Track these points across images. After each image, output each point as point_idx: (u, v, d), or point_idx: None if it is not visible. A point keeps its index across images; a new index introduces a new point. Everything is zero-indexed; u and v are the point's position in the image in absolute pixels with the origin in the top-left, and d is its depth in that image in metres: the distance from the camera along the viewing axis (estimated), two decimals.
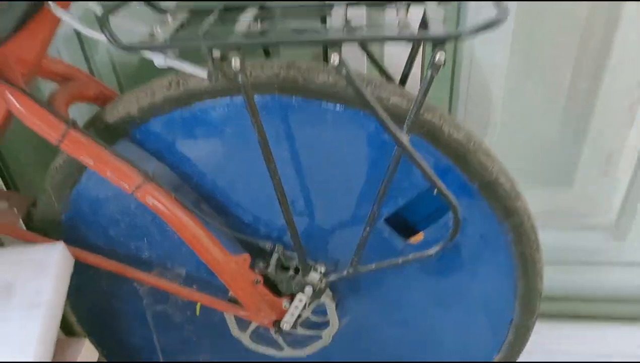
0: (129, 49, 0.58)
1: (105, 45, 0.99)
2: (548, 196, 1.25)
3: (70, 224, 0.79)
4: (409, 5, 0.64)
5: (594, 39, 1.04)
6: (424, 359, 0.89)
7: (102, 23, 0.58)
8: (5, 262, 0.72)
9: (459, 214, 0.66)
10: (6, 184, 1.03)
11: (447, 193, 0.65)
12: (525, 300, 0.81)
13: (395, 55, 0.83)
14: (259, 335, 0.88)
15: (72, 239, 0.77)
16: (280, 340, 0.87)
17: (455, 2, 0.88)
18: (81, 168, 0.74)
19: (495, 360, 0.88)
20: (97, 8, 0.62)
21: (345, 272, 0.74)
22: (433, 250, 0.70)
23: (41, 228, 0.80)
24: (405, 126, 0.61)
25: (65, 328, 0.90)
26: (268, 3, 0.67)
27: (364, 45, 0.73)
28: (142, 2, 0.68)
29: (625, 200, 1.25)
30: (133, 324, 0.90)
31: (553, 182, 1.25)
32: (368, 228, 0.69)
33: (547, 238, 1.24)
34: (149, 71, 0.95)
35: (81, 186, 0.76)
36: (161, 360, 0.94)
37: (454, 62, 0.97)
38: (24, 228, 0.81)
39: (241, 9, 0.66)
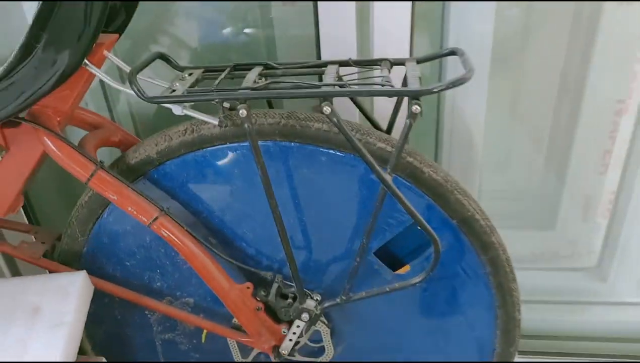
0: (153, 101, 0.68)
1: (126, 97, 1.11)
2: (532, 239, 1.33)
3: (90, 256, 0.88)
4: (391, 65, 0.75)
5: (568, 92, 1.15)
6: None
7: (131, 79, 0.68)
8: (33, 288, 0.80)
9: (439, 246, 0.75)
10: (29, 220, 1.12)
11: (427, 226, 0.73)
12: (505, 330, 0.88)
13: (383, 107, 0.94)
14: (261, 360, 0.95)
15: (91, 269, 0.86)
16: None
17: (437, 61, 0.99)
18: (104, 204, 0.84)
19: None
20: (126, 67, 0.73)
21: (338, 300, 0.81)
22: (417, 279, 0.78)
23: (64, 259, 0.88)
24: (388, 167, 0.70)
25: (82, 354, 0.97)
26: (272, 63, 0.78)
27: (353, 98, 0.83)
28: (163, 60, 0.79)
29: (605, 243, 1.32)
30: (143, 351, 0.97)
31: (536, 226, 1.33)
32: (358, 258, 0.77)
33: (533, 279, 1.33)
34: (163, 119, 1.07)
35: (103, 221, 0.85)
36: None
37: (438, 113, 1.07)
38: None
39: (249, 67, 0.76)
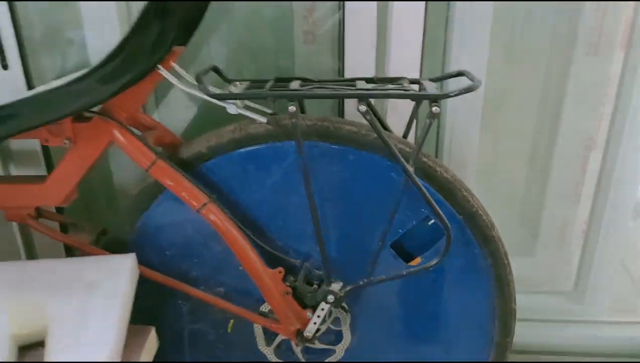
0: (219, 97, 0.82)
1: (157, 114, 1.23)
2: (513, 264, 1.47)
3: (135, 244, 0.97)
4: (409, 82, 0.91)
5: (544, 129, 1.33)
6: None
7: (199, 79, 0.82)
8: (87, 267, 0.89)
9: (450, 232, 0.88)
10: None
11: (441, 214, 0.87)
12: (503, 320, 1.00)
13: (395, 119, 1.09)
14: (281, 352, 1.03)
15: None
16: (300, 354, 1.02)
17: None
18: (153, 196, 0.94)
19: None
20: (188, 76, 0.87)
21: (361, 282, 0.92)
22: (433, 262, 0.90)
23: (110, 247, 0.97)
24: (411, 161, 0.84)
25: None
26: (308, 78, 0.93)
27: (371, 107, 0.97)
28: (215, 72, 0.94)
29: (580, 269, 1.47)
30: (172, 341, 1.04)
31: (517, 252, 1.47)
32: (381, 242, 0.89)
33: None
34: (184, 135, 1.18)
35: (150, 212, 0.95)
36: None
37: (437, 138, 1.23)
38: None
39: (289, 80, 0.91)
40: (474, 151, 1.29)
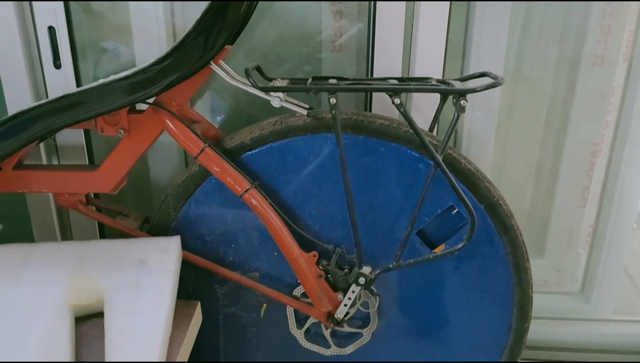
0: (266, 89, 0.90)
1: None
2: None
3: (178, 229, 1.04)
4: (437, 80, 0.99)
5: (552, 136, 1.42)
6: (439, 357, 1.10)
7: (248, 73, 0.90)
8: (137, 247, 0.96)
9: (475, 217, 0.95)
10: None
11: (466, 200, 0.94)
12: (520, 306, 1.07)
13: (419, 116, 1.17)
14: (311, 335, 1.09)
15: None
16: (328, 337, 1.08)
17: None
18: (197, 183, 1.02)
19: None
20: (235, 74, 0.95)
21: (391, 265, 0.99)
22: (459, 246, 0.97)
23: (155, 231, 1.04)
24: (440, 150, 0.92)
25: None
26: (343, 76, 1.01)
27: (398, 106, 1.05)
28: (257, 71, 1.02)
29: (586, 271, 1.54)
30: (207, 324, 1.09)
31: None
32: (410, 227, 0.96)
33: None
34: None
35: (194, 198, 1.02)
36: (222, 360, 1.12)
37: (454, 144, 1.32)
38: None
39: (326, 78, 0.99)
40: (488, 156, 1.37)
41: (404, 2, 1.10)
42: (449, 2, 1.10)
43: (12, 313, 0.84)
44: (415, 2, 1.11)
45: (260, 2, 1.00)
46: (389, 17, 1.11)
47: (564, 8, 1.28)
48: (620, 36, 1.27)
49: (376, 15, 1.11)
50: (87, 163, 1.22)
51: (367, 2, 1.18)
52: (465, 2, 1.20)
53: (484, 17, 1.20)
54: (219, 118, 1.32)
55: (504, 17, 1.20)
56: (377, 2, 1.11)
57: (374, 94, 1.19)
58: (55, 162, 1.22)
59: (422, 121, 1.10)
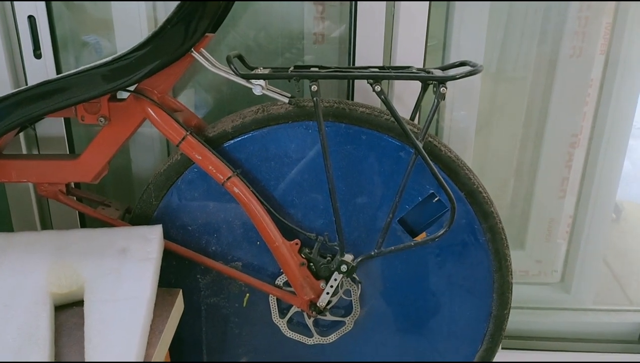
0: (247, 76, 0.90)
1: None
2: None
3: (159, 219, 1.04)
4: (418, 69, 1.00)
5: (531, 128, 1.44)
6: (421, 345, 1.11)
7: (230, 60, 0.91)
8: (119, 236, 0.95)
9: (455, 204, 0.96)
10: None
11: (446, 187, 0.95)
12: (500, 293, 1.08)
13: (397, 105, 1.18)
14: (293, 324, 1.10)
15: None
16: (311, 326, 1.08)
17: None
18: (179, 172, 1.01)
19: (480, 350, 1.12)
20: (216, 61, 0.95)
21: (372, 253, 1.00)
22: (439, 233, 0.98)
23: (136, 221, 1.04)
24: (420, 137, 0.93)
25: None
26: (325, 65, 1.01)
27: (379, 93, 1.05)
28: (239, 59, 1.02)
29: (566, 262, 1.57)
30: (189, 315, 1.09)
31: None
32: (391, 215, 0.97)
33: None
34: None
35: (176, 187, 1.02)
36: (204, 353, 1.12)
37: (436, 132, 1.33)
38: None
39: (308, 67, 1.00)
40: (469, 148, 1.39)
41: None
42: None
43: None
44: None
45: None
46: (370, 8, 1.11)
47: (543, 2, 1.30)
48: (597, 28, 1.30)
49: (357, 6, 1.12)
50: (68, 153, 1.21)
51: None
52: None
53: (464, 10, 1.21)
54: (202, 111, 1.32)
55: (484, 11, 1.22)
56: None
57: (356, 84, 1.20)
58: (35, 153, 1.21)
59: (404, 110, 1.11)
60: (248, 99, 0.94)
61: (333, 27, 1.24)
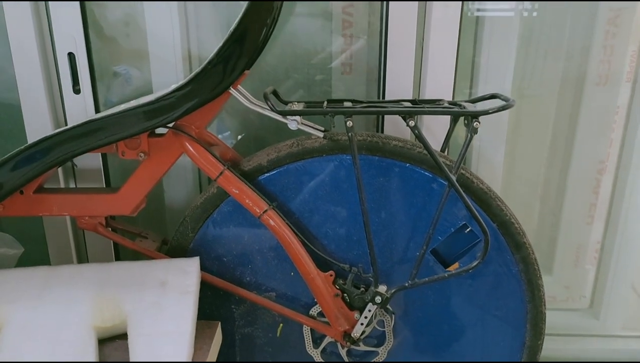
0: (283, 112, 0.92)
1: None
2: None
3: (195, 251, 1.06)
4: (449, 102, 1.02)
5: (558, 154, 1.44)
6: None
7: (267, 97, 0.93)
8: (158, 268, 0.97)
9: (488, 236, 0.97)
10: None
11: (479, 218, 0.96)
12: (533, 323, 1.08)
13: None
14: (327, 354, 1.11)
15: None
16: (344, 356, 1.09)
17: None
18: (215, 205, 1.04)
19: None
20: (252, 98, 0.97)
21: (406, 284, 1.01)
22: (473, 264, 0.99)
23: (173, 253, 1.06)
24: (453, 170, 0.94)
25: None
26: (357, 99, 1.03)
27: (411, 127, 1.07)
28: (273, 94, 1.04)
29: (595, 287, 1.56)
30: (224, 344, 1.10)
31: None
32: (425, 247, 0.98)
33: None
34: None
35: (212, 220, 1.04)
36: None
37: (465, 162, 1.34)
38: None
39: (341, 101, 1.02)
40: (497, 175, 1.40)
41: (415, 25, 1.13)
42: (458, 24, 1.13)
43: (36, 335, 0.86)
44: (426, 24, 1.15)
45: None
46: (400, 40, 1.14)
47: (569, 28, 1.32)
48: (623, 56, 1.31)
49: (387, 38, 1.14)
50: (104, 186, 1.24)
51: (377, 25, 1.22)
52: (474, 24, 1.23)
53: (493, 37, 1.23)
54: (233, 138, 1.35)
55: (512, 38, 1.23)
56: (389, 25, 1.14)
57: (387, 117, 1.22)
58: (72, 185, 1.24)
59: (433, 141, 1.12)
60: (278, 128, 0.96)
61: (361, 58, 1.27)
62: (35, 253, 1.27)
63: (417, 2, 1.12)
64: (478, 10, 1.25)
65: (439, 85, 1.16)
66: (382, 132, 1.24)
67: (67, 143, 0.93)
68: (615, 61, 1.31)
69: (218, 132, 1.33)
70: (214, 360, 0.92)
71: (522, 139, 1.43)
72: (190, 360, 0.84)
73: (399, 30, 1.13)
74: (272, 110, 0.93)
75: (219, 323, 0.96)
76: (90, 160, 1.22)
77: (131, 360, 0.82)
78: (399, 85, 1.17)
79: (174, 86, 0.92)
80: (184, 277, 0.95)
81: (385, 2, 1.15)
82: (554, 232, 1.52)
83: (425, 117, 1.20)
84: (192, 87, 0.90)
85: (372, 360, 1.10)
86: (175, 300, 0.91)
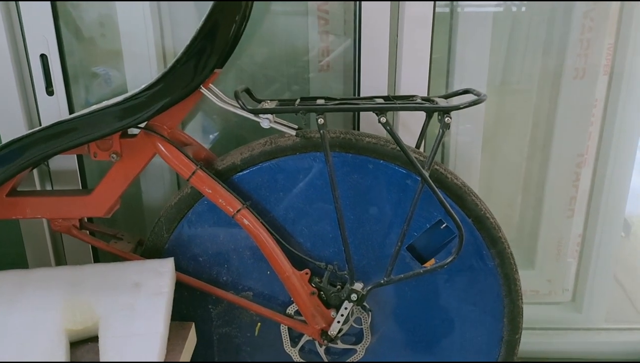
0: (255, 111, 0.92)
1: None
2: None
3: (171, 251, 1.05)
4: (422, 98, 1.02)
5: (538, 148, 1.45)
6: None
7: (238, 96, 0.93)
8: (132, 270, 0.97)
9: (463, 231, 0.97)
10: None
11: (453, 214, 0.96)
12: (511, 317, 1.08)
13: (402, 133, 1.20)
14: (305, 353, 1.10)
15: None
16: (322, 354, 1.09)
17: None
18: (189, 205, 1.03)
19: None
20: (225, 96, 0.97)
21: (382, 281, 1.01)
22: (448, 260, 0.99)
23: (148, 254, 1.05)
24: (426, 166, 0.94)
25: None
26: (331, 97, 1.03)
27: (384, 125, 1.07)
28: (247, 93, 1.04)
29: (577, 281, 1.56)
30: (201, 344, 1.10)
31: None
32: (400, 243, 0.98)
33: None
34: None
35: (186, 220, 1.04)
36: None
37: (442, 161, 1.34)
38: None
39: (314, 99, 1.01)
40: (475, 171, 1.40)
41: (388, 22, 1.13)
42: (431, 20, 1.13)
43: (8, 338, 0.85)
44: (399, 21, 1.14)
45: (247, 26, 1.03)
46: (373, 36, 1.13)
47: (545, 23, 1.32)
48: (600, 49, 1.31)
49: (361, 35, 1.14)
50: (80, 188, 1.24)
51: (352, 22, 1.22)
52: (448, 19, 1.23)
53: (467, 33, 1.23)
54: (211, 137, 1.34)
55: (486, 33, 1.23)
56: (362, 22, 1.14)
57: (362, 113, 1.22)
58: (48, 188, 1.23)
59: (409, 138, 1.13)
60: (256, 127, 0.95)
61: (337, 55, 1.26)
62: (12, 257, 1.27)
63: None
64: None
65: (414, 81, 1.16)
66: (358, 129, 1.23)
67: (37, 145, 0.92)
68: (592, 54, 1.32)
69: (204, 133, 1.33)
70: (188, 361, 0.92)
71: (502, 134, 1.43)
72: (162, 361, 0.84)
73: (372, 27, 1.13)
74: (243, 108, 0.92)
75: (193, 323, 0.96)
76: (66, 162, 1.21)
77: (101, 361, 0.82)
78: (374, 82, 1.17)
79: (144, 86, 0.91)
80: (157, 278, 0.95)
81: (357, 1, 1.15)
82: (535, 226, 1.52)
83: (402, 114, 1.20)
84: (161, 86, 0.89)
85: (350, 358, 1.10)
86: (148, 301, 0.91)
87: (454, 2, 1.24)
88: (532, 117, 1.43)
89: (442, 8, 1.25)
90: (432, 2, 1.11)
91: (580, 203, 1.49)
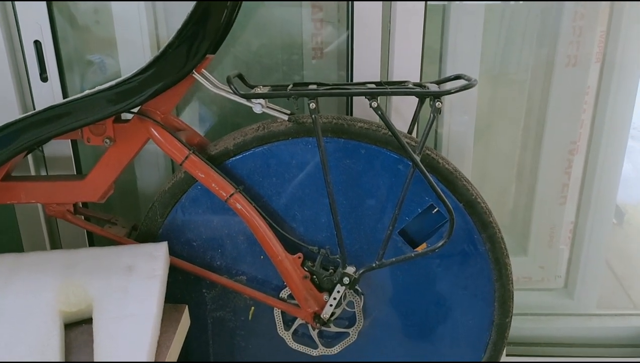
0: (247, 96, 0.93)
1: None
2: None
3: (165, 236, 1.06)
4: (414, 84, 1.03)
5: (530, 136, 1.46)
6: (425, 355, 1.13)
7: (230, 81, 0.93)
8: (125, 254, 0.98)
9: (454, 215, 0.98)
10: None
11: (444, 198, 0.97)
12: (501, 301, 1.09)
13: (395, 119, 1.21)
14: (298, 336, 1.12)
15: None
16: (315, 338, 1.10)
17: None
18: (184, 190, 1.04)
19: (484, 358, 1.13)
20: (217, 82, 0.97)
21: (374, 264, 1.02)
22: (439, 244, 1.00)
23: (142, 238, 1.06)
24: (417, 151, 0.95)
25: None
26: (323, 82, 1.04)
27: (376, 109, 1.07)
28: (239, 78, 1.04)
29: (569, 267, 1.58)
30: (196, 328, 1.11)
31: (510, 253, 1.58)
32: (391, 227, 0.99)
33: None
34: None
35: (180, 204, 1.05)
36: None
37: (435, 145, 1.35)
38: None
39: (306, 84, 1.02)
40: (468, 160, 1.41)
41: (380, 9, 1.14)
42: (424, 7, 1.14)
43: (2, 320, 0.86)
44: (392, 8, 1.15)
45: (241, 13, 1.03)
46: (366, 24, 1.14)
47: (539, 10, 1.32)
48: (592, 37, 1.32)
49: (354, 23, 1.14)
50: (75, 173, 1.24)
51: (345, 10, 1.22)
52: (441, 6, 1.24)
53: (459, 21, 1.24)
54: (207, 124, 1.35)
55: (478, 21, 1.24)
56: (355, 9, 1.14)
57: (355, 100, 1.22)
58: (43, 173, 1.24)
59: (402, 123, 1.14)
60: (251, 113, 0.96)
61: (331, 43, 1.27)
62: (8, 242, 1.27)
63: None
64: None
65: (406, 67, 1.17)
66: (352, 114, 1.24)
67: (30, 129, 0.93)
68: (584, 42, 1.32)
69: (201, 121, 1.34)
70: (181, 343, 0.93)
71: (495, 122, 1.44)
72: (155, 343, 0.85)
73: (365, 15, 1.14)
74: (235, 93, 0.93)
75: (186, 306, 0.97)
76: (60, 148, 1.22)
77: (95, 343, 0.83)
78: (367, 70, 1.17)
79: (136, 70, 0.92)
80: (151, 261, 0.96)
81: None
82: (528, 214, 1.54)
83: (394, 100, 1.21)
84: (153, 70, 0.90)
85: (343, 341, 1.11)
86: (141, 284, 0.92)
87: None
88: (524, 105, 1.44)
89: None
90: None
91: (572, 190, 1.50)
